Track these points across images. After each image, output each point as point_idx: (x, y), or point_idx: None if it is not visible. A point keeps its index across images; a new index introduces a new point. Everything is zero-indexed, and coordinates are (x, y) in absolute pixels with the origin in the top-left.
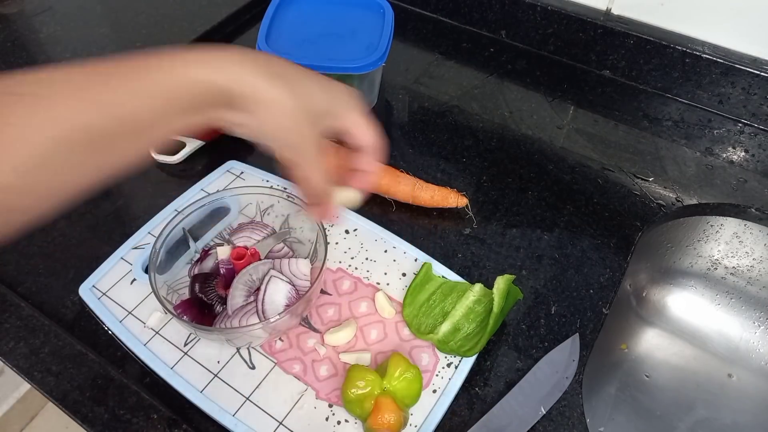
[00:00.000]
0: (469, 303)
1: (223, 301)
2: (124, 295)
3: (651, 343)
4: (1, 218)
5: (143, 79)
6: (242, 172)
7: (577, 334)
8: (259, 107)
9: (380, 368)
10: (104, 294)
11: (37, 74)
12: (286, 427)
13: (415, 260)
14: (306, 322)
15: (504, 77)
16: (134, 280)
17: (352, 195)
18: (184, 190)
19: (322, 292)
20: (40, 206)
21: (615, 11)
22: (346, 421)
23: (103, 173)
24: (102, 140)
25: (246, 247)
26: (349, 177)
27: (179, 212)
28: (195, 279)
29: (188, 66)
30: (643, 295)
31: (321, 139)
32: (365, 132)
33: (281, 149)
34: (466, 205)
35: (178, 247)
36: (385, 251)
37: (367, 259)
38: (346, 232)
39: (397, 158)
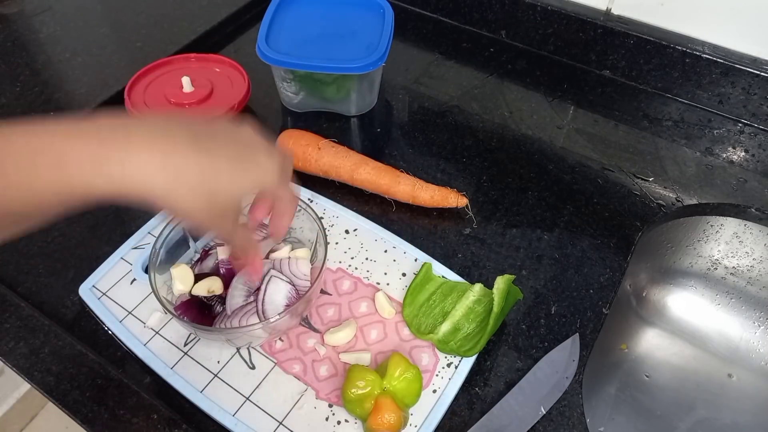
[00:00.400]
0: (469, 303)
1: (224, 301)
2: (124, 295)
3: (651, 343)
4: None
5: (29, 182)
6: None
7: (577, 334)
8: (167, 210)
9: (380, 368)
10: (104, 294)
11: None
12: (286, 427)
13: (415, 260)
14: (306, 322)
15: (504, 77)
16: (134, 280)
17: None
18: None
19: (322, 292)
20: None
21: (615, 11)
22: (346, 421)
23: None
24: None
25: None
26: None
27: None
28: (195, 279)
29: (78, 173)
30: (643, 295)
31: (237, 213)
32: (283, 204)
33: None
34: (466, 205)
35: (178, 247)
36: (385, 251)
37: (367, 259)
38: (346, 232)
39: (397, 158)
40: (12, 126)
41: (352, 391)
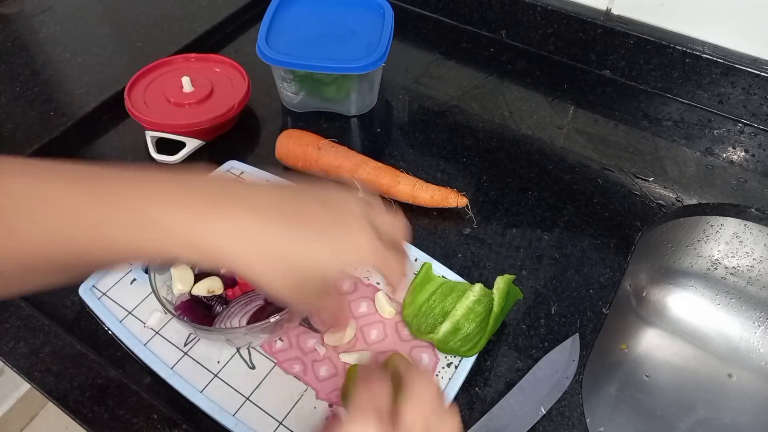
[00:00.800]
0: (469, 303)
1: (224, 301)
2: (124, 295)
3: (651, 343)
4: None
5: (111, 235)
6: (242, 172)
7: (577, 334)
8: (246, 279)
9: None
10: (104, 294)
11: (13, 186)
12: (286, 427)
13: (415, 260)
14: (306, 322)
15: (504, 77)
16: (134, 280)
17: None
18: None
19: None
20: None
21: (615, 11)
22: None
23: (39, 287)
24: (49, 267)
25: None
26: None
27: None
28: (195, 279)
29: (166, 237)
30: (643, 295)
31: (326, 289)
32: (389, 277)
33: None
34: (466, 205)
35: None
36: None
37: None
38: None
39: (397, 158)
40: (110, 174)
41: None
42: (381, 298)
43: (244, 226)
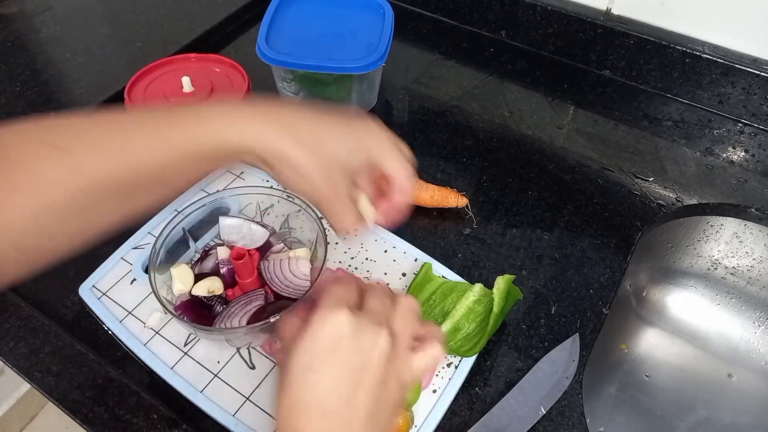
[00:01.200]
0: (469, 303)
1: (224, 301)
2: (124, 295)
3: (651, 343)
4: (20, 259)
5: (167, 135)
6: (242, 172)
7: (577, 334)
8: (282, 167)
9: None
10: (104, 294)
11: (68, 123)
12: None
13: (415, 260)
14: None
15: (504, 77)
16: (134, 280)
17: (369, 211)
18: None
19: None
20: (58, 249)
21: (615, 11)
22: None
23: (122, 217)
24: (121, 190)
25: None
26: (378, 202)
27: (179, 212)
28: (195, 279)
29: (212, 124)
30: (643, 295)
31: (349, 186)
32: (398, 173)
33: (308, 199)
34: (466, 205)
35: (178, 247)
36: (385, 251)
37: (367, 259)
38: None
39: None
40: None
41: None
42: (363, 199)
43: (282, 118)
